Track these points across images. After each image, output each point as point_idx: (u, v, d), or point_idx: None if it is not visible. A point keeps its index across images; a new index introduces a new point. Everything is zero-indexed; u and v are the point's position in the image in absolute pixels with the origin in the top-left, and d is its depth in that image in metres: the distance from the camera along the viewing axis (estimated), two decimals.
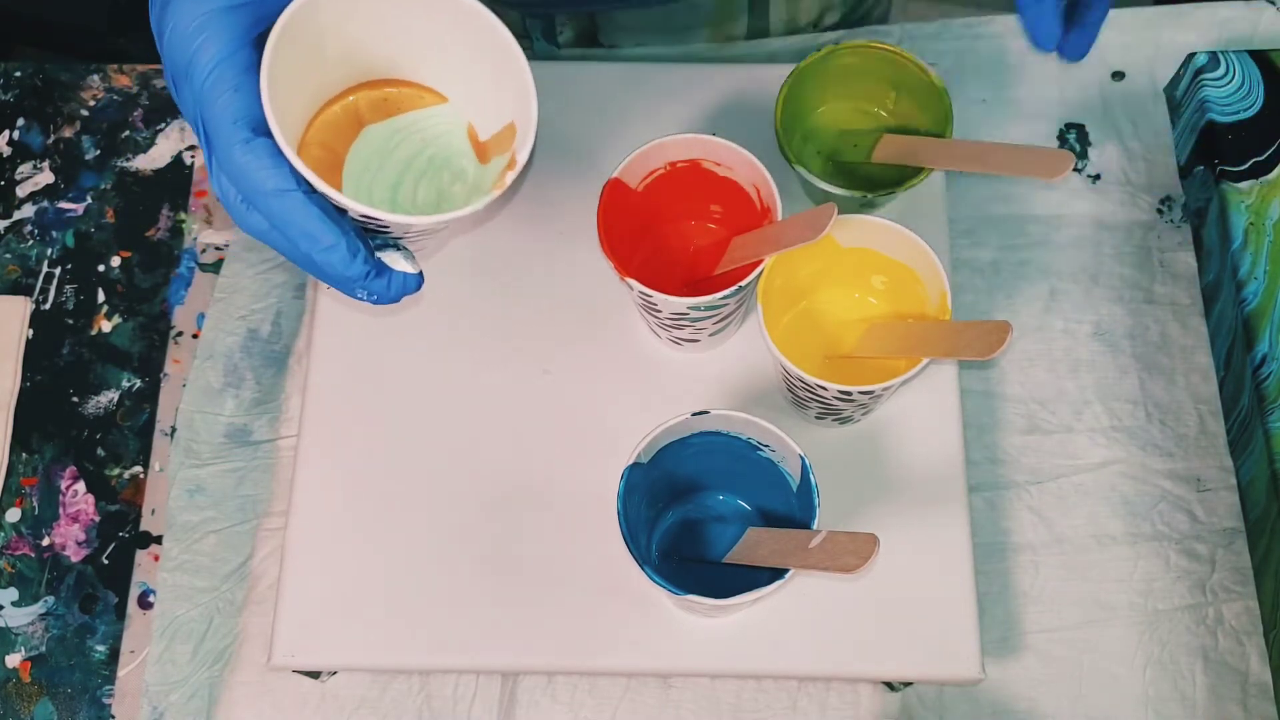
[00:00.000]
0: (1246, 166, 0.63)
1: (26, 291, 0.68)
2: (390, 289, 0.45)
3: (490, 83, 0.46)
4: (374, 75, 0.48)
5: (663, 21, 0.71)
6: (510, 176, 0.45)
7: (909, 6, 0.80)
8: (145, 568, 0.62)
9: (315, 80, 0.46)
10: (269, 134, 0.41)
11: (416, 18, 0.45)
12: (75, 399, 0.66)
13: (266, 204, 0.41)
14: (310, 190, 0.41)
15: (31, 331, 0.67)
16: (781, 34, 0.73)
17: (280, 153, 0.41)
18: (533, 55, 0.73)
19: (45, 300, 0.68)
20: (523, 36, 0.74)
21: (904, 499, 0.57)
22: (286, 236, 0.42)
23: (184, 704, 0.59)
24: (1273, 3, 0.71)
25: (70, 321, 0.67)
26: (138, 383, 0.66)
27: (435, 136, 0.48)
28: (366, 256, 0.43)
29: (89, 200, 0.70)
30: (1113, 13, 0.72)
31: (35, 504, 0.63)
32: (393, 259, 0.45)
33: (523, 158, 0.45)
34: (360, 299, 0.45)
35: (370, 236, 0.44)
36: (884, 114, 0.62)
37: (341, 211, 0.42)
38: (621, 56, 0.72)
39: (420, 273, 0.46)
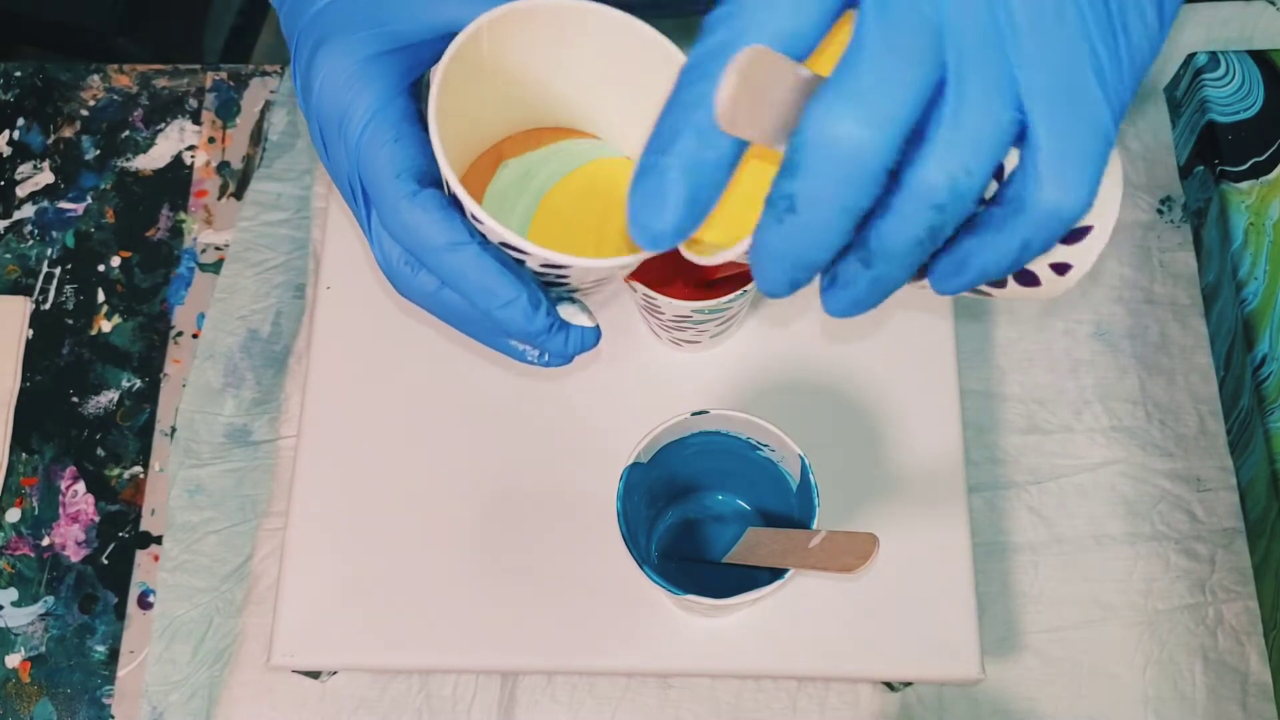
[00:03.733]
0: (1246, 166, 0.63)
1: (26, 291, 0.68)
2: (568, 345, 0.41)
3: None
4: (528, 124, 0.44)
5: (681, 33, 0.71)
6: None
7: None
8: (145, 568, 0.62)
9: (469, 130, 0.42)
10: (434, 185, 0.37)
11: (584, 50, 0.40)
12: (75, 399, 0.66)
13: (438, 261, 0.38)
14: (485, 242, 0.38)
15: (31, 331, 0.67)
16: None
17: (449, 205, 0.37)
18: None
19: (45, 300, 0.68)
20: None
21: (904, 499, 0.57)
22: (462, 293, 0.38)
23: (184, 704, 0.59)
24: (1273, 3, 0.71)
25: (70, 321, 0.67)
26: (138, 383, 0.66)
27: (585, 164, 0.44)
28: (549, 309, 0.39)
29: (89, 200, 0.70)
30: None
31: (35, 504, 0.63)
32: (570, 313, 0.41)
33: None
34: (530, 361, 0.42)
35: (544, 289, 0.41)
36: None
37: (519, 263, 0.39)
38: None
39: (598, 326, 0.42)
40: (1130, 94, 0.32)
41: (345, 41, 0.38)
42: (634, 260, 0.39)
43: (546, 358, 0.42)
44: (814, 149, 0.30)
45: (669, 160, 0.31)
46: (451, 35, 0.38)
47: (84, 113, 0.72)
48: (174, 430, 0.64)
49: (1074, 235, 0.35)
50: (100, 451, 0.64)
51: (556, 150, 0.44)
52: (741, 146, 0.32)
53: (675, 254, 0.59)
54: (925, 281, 0.36)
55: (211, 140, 0.71)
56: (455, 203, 0.38)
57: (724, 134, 0.31)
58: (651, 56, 0.40)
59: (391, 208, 0.37)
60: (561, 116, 0.44)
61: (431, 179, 0.38)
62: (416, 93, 0.39)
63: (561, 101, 0.43)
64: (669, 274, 0.58)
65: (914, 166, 0.30)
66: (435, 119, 0.37)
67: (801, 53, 0.31)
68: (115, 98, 0.72)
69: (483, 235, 0.38)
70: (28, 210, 0.70)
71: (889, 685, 0.58)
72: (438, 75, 0.37)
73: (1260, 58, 0.65)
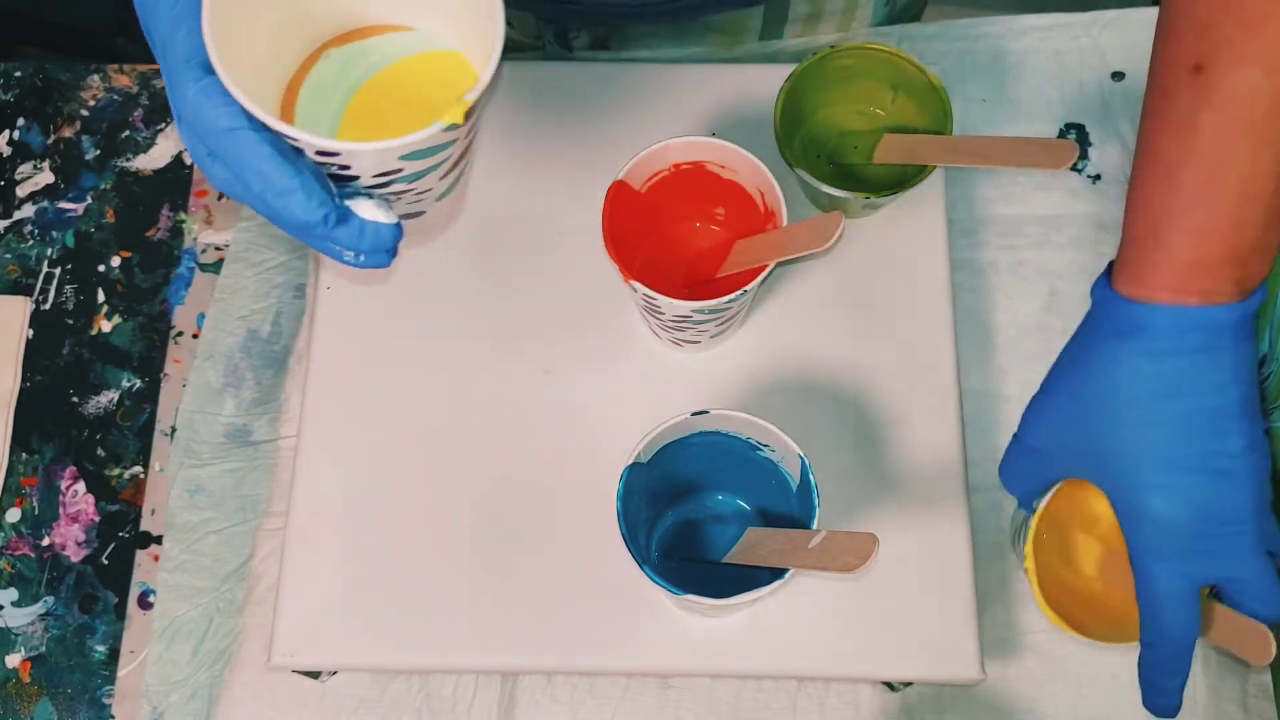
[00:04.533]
0: None
1: (26, 291, 0.68)
2: (363, 239, 0.41)
3: (459, 11, 0.43)
4: (353, 22, 0.45)
5: (673, 36, 0.71)
6: (470, 95, 0.40)
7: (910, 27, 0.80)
8: (145, 568, 0.62)
9: (296, 24, 0.43)
10: None
11: None
12: (75, 399, 0.66)
13: (221, 145, 0.39)
14: (265, 129, 0.39)
15: (31, 331, 0.67)
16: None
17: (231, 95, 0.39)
18: (544, 57, 0.73)
19: (45, 300, 0.68)
20: (536, 38, 0.73)
21: (904, 499, 0.57)
22: (243, 181, 0.40)
23: (184, 704, 0.59)
24: None
25: (70, 321, 0.67)
26: (138, 383, 0.66)
27: (402, 59, 0.45)
28: (324, 199, 0.40)
29: (89, 200, 0.70)
30: (1112, 13, 0.72)
31: (35, 504, 0.63)
32: (362, 207, 0.41)
33: (485, 77, 0.40)
34: (348, 262, 0.43)
35: (339, 186, 0.41)
36: (883, 115, 0.62)
37: (299, 154, 0.40)
38: (622, 57, 0.72)
39: (398, 224, 0.42)
40: None
41: None
42: (399, 144, 0.39)
43: (362, 258, 0.42)
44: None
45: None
46: None
47: (84, 113, 0.72)
48: (174, 430, 0.64)
49: None
50: (100, 451, 0.64)
51: (377, 43, 0.45)
52: None
53: (672, 256, 0.59)
54: None
55: None
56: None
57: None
58: None
59: (181, 93, 0.39)
60: (382, 12, 0.45)
61: None
62: None
63: (372, 6, 0.44)
64: (669, 275, 0.58)
65: None
66: (209, 6, 0.38)
67: None
68: (115, 98, 0.72)
69: (264, 124, 0.39)
70: (28, 210, 0.70)
71: (889, 685, 0.58)
72: None
73: None
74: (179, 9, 0.39)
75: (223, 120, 0.39)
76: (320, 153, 0.39)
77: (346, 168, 0.41)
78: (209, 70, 0.39)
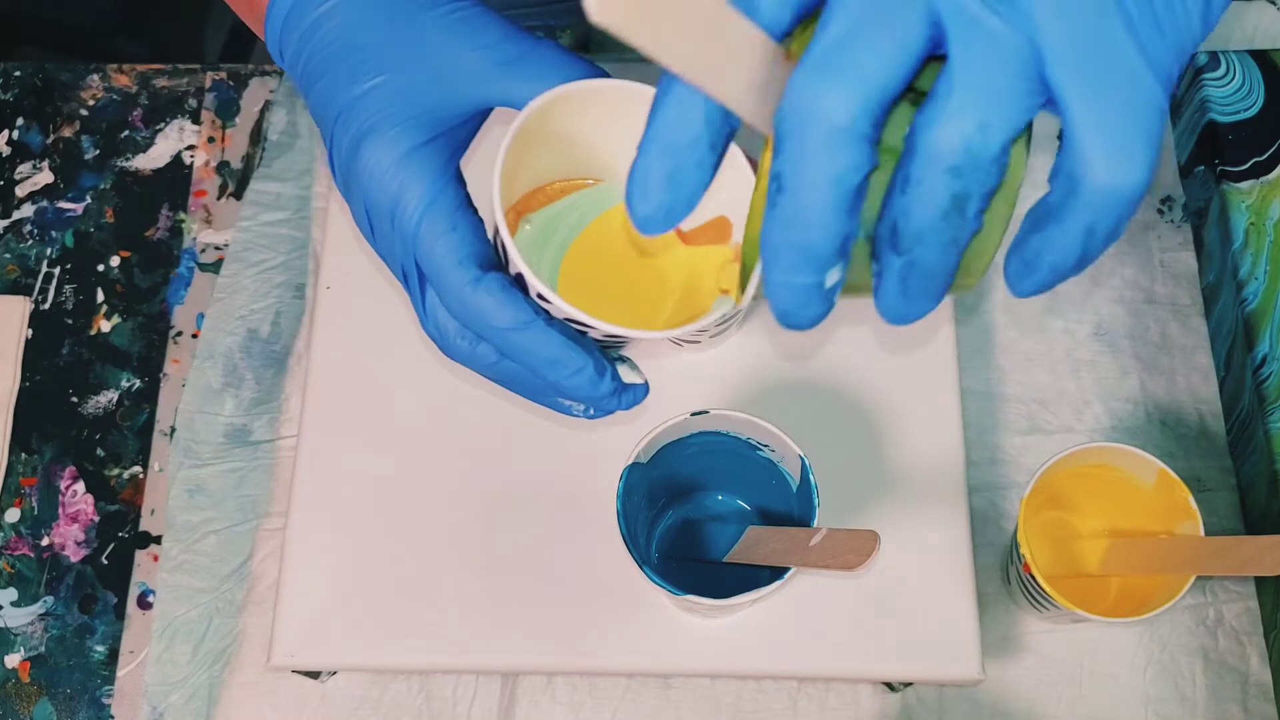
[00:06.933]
0: (1247, 166, 0.63)
1: (26, 291, 0.68)
2: (623, 403, 0.43)
3: None
4: (541, 180, 0.46)
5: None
6: (753, 286, 0.38)
7: None
8: (145, 568, 0.62)
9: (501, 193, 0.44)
10: (493, 268, 0.40)
11: (621, 121, 0.42)
12: (75, 399, 0.65)
13: (504, 339, 0.40)
14: (549, 317, 0.40)
15: (31, 331, 0.67)
16: None
17: (511, 285, 0.39)
18: None
19: (45, 300, 0.68)
20: None
21: (904, 499, 0.57)
22: (528, 366, 0.40)
23: (184, 704, 0.59)
24: (1273, 3, 0.71)
25: (70, 321, 0.67)
26: (137, 383, 0.66)
27: (601, 214, 0.46)
28: (614, 373, 0.41)
29: (89, 200, 0.70)
30: None
31: (34, 504, 0.63)
32: (624, 373, 0.43)
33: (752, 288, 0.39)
34: (575, 415, 0.44)
35: None
36: None
37: (581, 333, 0.41)
38: (627, 57, 0.72)
39: (647, 383, 0.44)
40: (1177, 63, 0.29)
41: (388, 134, 0.39)
42: (690, 330, 0.41)
43: (593, 411, 0.44)
44: (789, 118, 0.29)
45: (648, 144, 0.32)
46: (483, 112, 0.41)
47: (84, 113, 0.72)
48: (174, 430, 0.64)
49: None
50: (100, 451, 0.64)
51: (573, 202, 0.46)
52: (724, 118, 0.32)
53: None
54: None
55: (211, 140, 0.71)
56: (516, 281, 0.40)
57: (696, 107, 0.31)
58: None
59: (456, 294, 0.39)
60: (571, 169, 0.46)
61: (490, 262, 0.40)
62: (460, 176, 0.40)
63: (578, 157, 0.45)
64: None
65: (923, 128, 0.28)
66: (502, 218, 0.39)
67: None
68: (115, 98, 0.72)
69: (546, 311, 0.40)
70: (27, 210, 0.70)
71: (889, 686, 0.58)
72: (500, 162, 0.39)
73: (1260, 58, 0.65)
74: (431, 213, 0.39)
75: (510, 317, 0.39)
76: (608, 335, 0.41)
77: (622, 342, 0.42)
78: (481, 268, 0.39)
